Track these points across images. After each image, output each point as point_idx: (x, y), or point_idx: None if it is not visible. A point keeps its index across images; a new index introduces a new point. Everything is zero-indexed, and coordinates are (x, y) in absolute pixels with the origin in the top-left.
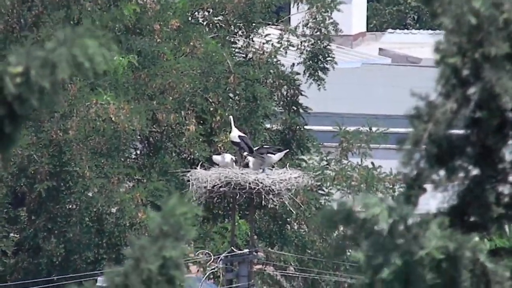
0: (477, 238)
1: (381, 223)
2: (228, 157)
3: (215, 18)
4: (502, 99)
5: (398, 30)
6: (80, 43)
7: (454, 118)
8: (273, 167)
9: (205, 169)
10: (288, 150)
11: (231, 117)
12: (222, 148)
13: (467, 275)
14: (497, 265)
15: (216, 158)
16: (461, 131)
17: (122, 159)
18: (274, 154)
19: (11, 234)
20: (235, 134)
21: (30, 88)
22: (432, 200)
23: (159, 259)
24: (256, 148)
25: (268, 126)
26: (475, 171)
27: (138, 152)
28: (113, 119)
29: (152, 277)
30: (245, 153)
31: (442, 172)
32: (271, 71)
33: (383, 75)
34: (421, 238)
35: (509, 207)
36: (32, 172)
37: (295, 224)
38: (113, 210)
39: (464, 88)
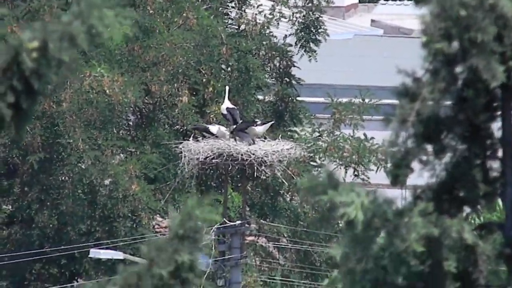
0: (463, 216)
1: (356, 221)
2: (223, 128)
3: None
4: (491, 84)
5: (390, 1)
6: (97, 13)
7: (441, 97)
8: (265, 138)
9: (197, 140)
10: (273, 121)
11: (227, 87)
12: (214, 119)
13: (453, 256)
14: (484, 241)
15: (212, 128)
16: (448, 109)
17: (115, 131)
18: (258, 126)
19: (4, 206)
20: (224, 106)
21: (48, 63)
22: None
23: (173, 263)
24: (240, 122)
25: (260, 97)
26: (463, 149)
27: (131, 123)
28: (107, 91)
29: (164, 281)
30: (232, 126)
31: (430, 151)
32: (263, 42)
33: (375, 47)
34: (402, 229)
35: (496, 183)
36: (25, 143)
37: (287, 195)
38: (106, 182)
39: (452, 67)
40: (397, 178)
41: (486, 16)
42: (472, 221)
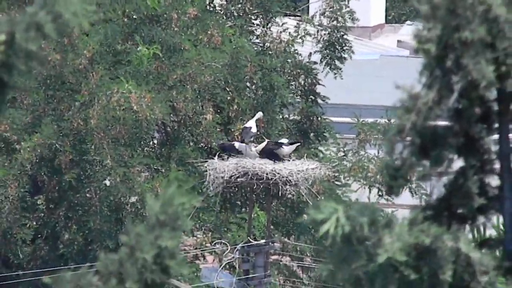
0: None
1: (334, 235)
2: (252, 147)
3: (232, 8)
4: (480, 85)
5: (416, 23)
6: (63, 1)
7: (436, 108)
8: (290, 157)
9: (223, 159)
10: (300, 143)
11: (260, 113)
12: (239, 137)
13: (449, 267)
14: (482, 254)
15: (241, 146)
16: (445, 121)
17: (140, 149)
18: (285, 146)
19: (29, 222)
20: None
21: (16, 54)
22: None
23: (155, 249)
24: (266, 142)
25: (285, 115)
26: (459, 162)
27: (155, 141)
28: (134, 108)
29: (147, 266)
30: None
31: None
32: (288, 60)
33: (401, 67)
34: (385, 239)
35: (493, 198)
36: (58, 163)
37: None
38: (133, 199)
39: (447, 78)
40: (391, 189)
41: (475, 16)
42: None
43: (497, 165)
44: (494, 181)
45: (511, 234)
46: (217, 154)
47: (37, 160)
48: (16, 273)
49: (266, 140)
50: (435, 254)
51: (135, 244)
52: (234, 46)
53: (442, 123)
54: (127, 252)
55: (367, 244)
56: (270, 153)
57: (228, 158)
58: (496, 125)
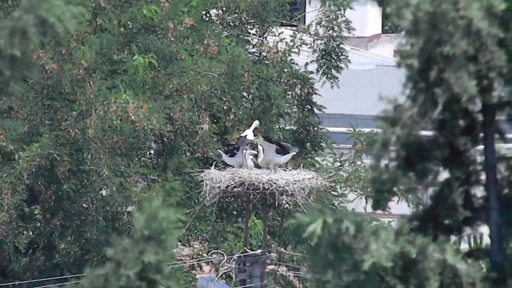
0: (449, 241)
1: (318, 240)
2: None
3: (229, 17)
4: (462, 99)
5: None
6: (47, 5)
7: (421, 121)
8: (286, 167)
9: (219, 169)
10: (296, 152)
11: (256, 122)
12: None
13: (436, 279)
14: (469, 266)
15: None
16: (430, 133)
17: (137, 158)
18: (280, 156)
19: (25, 232)
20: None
21: (1, 59)
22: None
23: (139, 264)
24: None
25: (282, 125)
26: (445, 174)
27: (152, 151)
28: (132, 117)
29: (131, 282)
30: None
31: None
32: (284, 70)
33: (398, 77)
34: (371, 247)
35: (478, 208)
36: (58, 172)
37: None
38: (129, 209)
39: (431, 91)
40: (378, 203)
41: (457, 30)
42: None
43: (483, 176)
44: (480, 191)
45: (497, 245)
46: (214, 164)
47: (35, 170)
48: (12, 283)
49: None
50: (421, 265)
51: (121, 258)
52: (230, 56)
53: (426, 133)
54: (113, 267)
55: (353, 250)
56: (282, 149)
57: (224, 168)
58: (481, 136)
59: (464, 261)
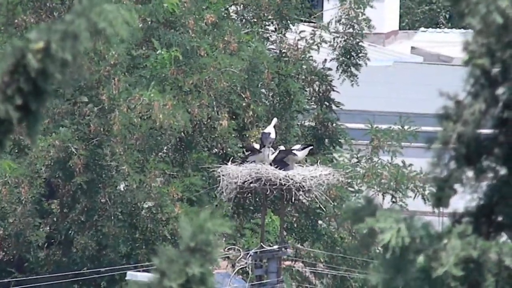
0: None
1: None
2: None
3: (249, 14)
4: None
5: (430, 29)
6: (99, 9)
7: (482, 118)
8: (306, 161)
9: (236, 164)
10: (312, 146)
11: (275, 119)
12: (254, 143)
13: (491, 279)
14: None
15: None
16: (489, 131)
17: (155, 154)
18: (297, 151)
19: (42, 226)
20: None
21: (53, 62)
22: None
23: (183, 276)
24: (278, 151)
25: (301, 122)
26: (503, 171)
27: (170, 147)
28: (160, 117)
29: None
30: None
31: (471, 173)
32: (303, 66)
33: (415, 74)
34: (441, 253)
35: None
36: (71, 165)
37: (325, 220)
38: (147, 204)
39: (493, 88)
40: (440, 200)
41: None
42: None
43: None
44: None
45: None
46: (231, 159)
47: (52, 163)
48: (30, 277)
49: (278, 149)
50: (481, 267)
51: (165, 269)
52: (252, 52)
53: (485, 131)
54: (157, 279)
55: (422, 257)
56: (279, 162)
57: (242, 164)
58: None
59: None
